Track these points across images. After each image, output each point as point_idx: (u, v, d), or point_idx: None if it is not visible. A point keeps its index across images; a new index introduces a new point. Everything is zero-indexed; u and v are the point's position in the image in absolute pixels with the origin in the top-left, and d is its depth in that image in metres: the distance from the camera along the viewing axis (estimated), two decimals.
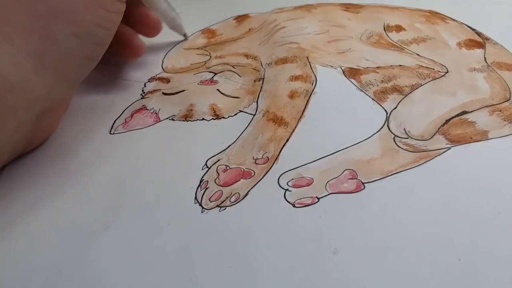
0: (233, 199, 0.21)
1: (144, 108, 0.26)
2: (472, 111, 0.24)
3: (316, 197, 0.20)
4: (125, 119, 0.26)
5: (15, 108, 0.20)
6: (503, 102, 0.25)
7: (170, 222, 0.20)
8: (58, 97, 0.23)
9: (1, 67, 0.19)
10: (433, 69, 0.27)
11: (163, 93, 0.27)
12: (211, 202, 0.21)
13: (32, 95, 0.21)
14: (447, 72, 0.27)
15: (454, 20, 0.32)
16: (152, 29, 0.29)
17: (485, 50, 0.29)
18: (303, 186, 0.21)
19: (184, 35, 0.32)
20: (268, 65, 0.29)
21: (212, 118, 0.25)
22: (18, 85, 0.20)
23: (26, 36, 0.20)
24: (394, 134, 0.23)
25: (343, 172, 0.21)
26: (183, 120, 0.26)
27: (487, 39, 0.30)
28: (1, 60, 0.20)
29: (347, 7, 0.34)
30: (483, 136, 0.23)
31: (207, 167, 0.22)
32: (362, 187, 0.21)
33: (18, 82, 0.20)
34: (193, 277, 0.18)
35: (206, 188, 0.21)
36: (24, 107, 0.21)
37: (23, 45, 0.20)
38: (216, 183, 0.21)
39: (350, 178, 0.21)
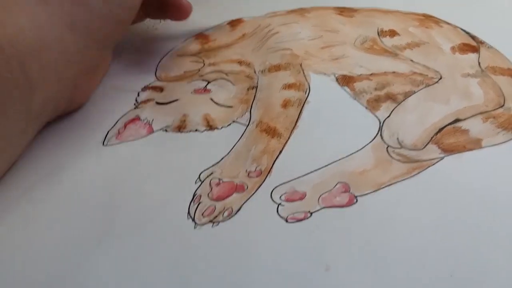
0: (226, 214, 0.21)
1: (137, 118, 0.26)
2: (465, 119, 0.24)
3: (309, 211, 0.20)
4: (118, 130, 0.26)
5: (52, 63, 0.22)
6: (497, 108, 0.25)
7: (163, 237, 0.20)
8: (91, 58, 0.25)
9: (38, 24, 0.21)
10: (427, 75, 0.27)
11: (157, 102, 0.27)
12: (204, 217, 0.21)
13: (67, 52, 0.23)
14: (440, 78, 0.27)
15: (448, 23, 0.32)
16: (181, 12, 0.29)
17: (479, 54, 0.29)
18: (296, 200, 0.21)
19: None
20: (262, 72, 0.29)
21: (206, 129, 0.25)
22: (54, 42, 0.22)
23: None
24: (387, 144, 0.23)
25: (335, 185, 0.21)
26: (177, 131, 0.25)
27: (482, 42, 0.30)
28: (38, 18, 0.21)
29: (341, 11, 0.34)
30: (476, 144, 0.23)
31: (200, 180, 0.22)
32: (355, 200, 0.21)
33: (53, 39, 0.22)
34: None
35: (199, 203, 0.21)
36: (60, 63, 0.22)
37: (56, 6, 0.22)
38: (209, 197, 0.21)
39: (343, 192, 0.21)
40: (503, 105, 0.25)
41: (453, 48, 0.29)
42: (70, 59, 0.23)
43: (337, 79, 0.28)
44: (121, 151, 0.24)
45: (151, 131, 0.26)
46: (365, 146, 0.23)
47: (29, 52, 0.21)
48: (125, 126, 0.26)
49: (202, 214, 0.21)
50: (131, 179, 0.23)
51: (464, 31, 0.31)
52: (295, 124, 0.25)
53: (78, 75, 0.24)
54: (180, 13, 0.29)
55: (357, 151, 0.23)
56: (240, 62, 0.30)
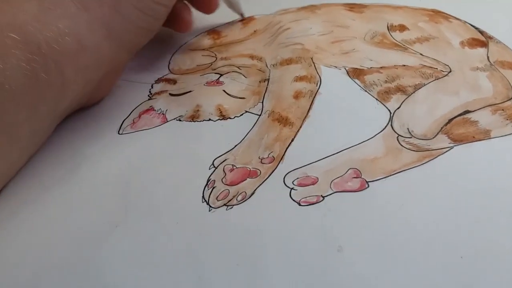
0: (240, 198, 0.21)
1: (151, 109, 0.27)
2: (474, 111, 0.24)
3: (321, 195, 0.21)
4: (133, 120, 0.26)
5: (86, 67, 0.23)
6: (506, 101, 0.25)
7: (178, 221, 0.20)
8: (118, 62, 0.26)
9: (79, 30, 0.22)
10: (436, 68, 0.27)
11: (170, 94, 0.28)
12: (218, 201, 0.21)
13: (101, 58, 0.24)
14: (450, 71, 0.27)
15: (457, 19, 0.32)
16: (207, 5, 0.31)
17: (488, 49, 0.29)
18: (308, 185, 0.21)
19: (241, 14, 0.33)
20: (273, 66, 0.29)
21: (219, 119, 0.26)
22: (90, 47, 0.23)
23: (99, 6, 0.23)
24: (398, 134, 0.24)
25: (347, 171, 0.22)
26: (190, 121, 0.26)
27: (490, 37, 0.30)
28: (79, 24, 0.22)
29: (351, 7, 0.34)
30: (485, 135, 0.23)
31: (214, 166, 0.23)
32: (366, 185, 0.21)
33: (90, 45, 0.23)
34: (201, 275, 0.18)
35: (213, 187, 0.22)
36: (92, 67, 0.24)
37: (96, 14, 0.23)
38: (223, 182, 0.22)
39: (354, 177, 0.21)
40: (511, 98, 0.25)
41: (462, 43, 0.30)
42: (102, 63, 0.24)
43: (347, 72, 0.28)
44: (136, 139, 0.25)
45: (165, 120, 0.26)
46: (375, 135, 0.23)
47: (67, 55, 0.22)
48: (139, 116, 0.27)
49: (217, 198, 0.21)
50: (146, 166, 0.23)
51: (473, 26, 0.31)
52: (307, 114, 0.25)
53: (103, 76, 0.25)
54: (181, 26, 0.30)
55: (368, 139, 0.23)
56: (252, 57, 0.31)
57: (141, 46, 0.27)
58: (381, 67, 0.28)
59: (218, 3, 0.30)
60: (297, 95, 0.26)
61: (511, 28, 0.31)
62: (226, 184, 0.22)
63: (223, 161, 0.23)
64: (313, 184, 0.21)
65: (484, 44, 0.30)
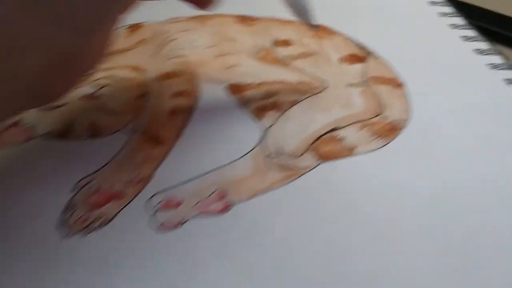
0: (99, 223, 0.20)
1: (19, 122, 0.25)
2: (343, 127, 0.25)
3: (182, 220, 0.20)
4: None
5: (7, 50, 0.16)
6: (375, 116, 0.26)
7: (28, 249, 0.19)
8: (65, 46, 0.17)
9: None
10: (313, 85, 0.28)
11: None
12: (75, 227, 0.20)
13: (21, 40, 0.16)
14: (326, 87, 0.28)
15: (340, 35, 0.33)
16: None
17: (366, 64, 0.30)
18: (171, 208, 0.21)
19: (311, 25, 0.25)
20: (154, 79, 0.29)
21: (89, 137, 0.25)
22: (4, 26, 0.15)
23: None
24: (268, 152, 0.24)
25: (212, 193, 0.22)
26: (56, 140, 0.25)
27: (369, 53, 0.32)
28: None
29: (242, 19, 0.34)
30: (350, 152, 0.24)
31: (77, 189, 0.22)
32: (230, 207, 0.21)
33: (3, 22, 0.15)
34: None
35: (73, 212, 0.21)
36: (12, 54, 0.16)
37: None
38: (84, 206, 0.21)
39: (218, 199, 0.21)
40: (380, 114, 0.26)
41: (340, 59, 0.31)
42: (25, 48, 0.16)
43: (228, 87, 0.28)
44: None
45: (31, 137, 0.24)
46: (245, 154, 0.24)
47: None
48: (7, 129, 0.25)
49: (75, 223, 0.20)
50: (4, 187, 0.22)
51: (356, 42, 0.33)
52: (181, 132, 0.25)
53: (52, 67, 0.18)
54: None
55: (238, 159, 0.23)
56: (135, 68, 0.30)
57: (102, 24, 0.18)
58: (261, 83, 0.28)
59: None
60: (173, 112, 0.26)
61: (394, 43, 0.32)
62: (87, 208, 0.21)
63: (87, 183, 0.22)
64: (176, 207, 0.21)
65: (362, 60, 0.31)
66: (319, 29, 0.26)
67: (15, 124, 0.25)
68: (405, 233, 0.20)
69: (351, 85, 0.28)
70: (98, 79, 0.29)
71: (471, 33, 0.34)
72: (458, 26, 0.35)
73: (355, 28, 0.34)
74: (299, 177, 0.23)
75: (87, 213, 0.21)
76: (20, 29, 0.16)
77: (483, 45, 0.33)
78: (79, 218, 0.20)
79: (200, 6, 0.24)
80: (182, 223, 0.20)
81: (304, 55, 0.31)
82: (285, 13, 0.24)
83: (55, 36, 0.17)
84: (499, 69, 0.30)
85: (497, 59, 0.31)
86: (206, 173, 0.23)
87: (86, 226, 0.20)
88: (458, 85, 0.29)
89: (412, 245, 0.20)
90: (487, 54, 0.32)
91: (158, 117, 0.25)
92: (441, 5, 0.37)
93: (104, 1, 0.17)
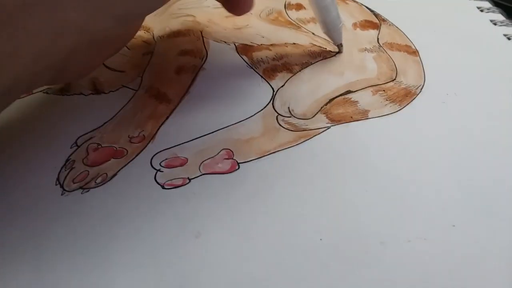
0: (99, 180, 0.19)
1: None
2: (356, 91, 0.24)
3: (188, 178, 0.20)
4: None
5: (35, 34, 0.15)
6: (389, 82, 0.25)
7: (25, 205, 0.18)
8: (99, 32, 0.17)
9: None
10: (325, 48, 0.27)
11: None
12: (74, 183, 0.19)
13: (60, 22, 0.15)
14: (338, 52, 0.27)
15: (354, 1, 0.32)
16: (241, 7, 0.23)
17: (379, 31, 0.29)
18: (176, 167, 0.20)
19: (339, 45, 0.26)
20: (160, 38, 0.27)
21: (91, 93, 0.24)
22: (42, 2, 0.15)
23: None
24: (278, 113, 0.23)
25: (219, 152, 0.21)
26: (59, 94, 0.24)
27: (384, 20, 0.30)
28: None
29: None
30: (363, 115, 0.23)
31: (77, 145, 0.21)
32: (237, 167, 0.20)
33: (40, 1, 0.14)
34: (39, 266, 0.16)
35: (72, 168, 0.20)
36: (47, 35, 0.15)
37: None
38: (83, 163, 0.20)
39: (226, 158, 0.20)
40: (394, 79, 0.25)
41: (355, 24, 0.29)
42: (63, 31, 0.16)
43: (236, 48, 0.27)
44: None
45: (30, 92, 0.23)
46: (255, 114, 0.23)
47: None
48: None
49: (73, 180, 0.19)
50: (3, 141, 0.21)
51: (369, 9, 0.31)
52: (187, 91, 0.24)
53: (74, 50, 0.17)
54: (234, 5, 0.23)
55: (247, 118, 0.22)
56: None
57: (143, 15, 0.20)
58: (271, 44, 0.27)
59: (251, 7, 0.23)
60: (179, 70, 0.25)
61: (405, 12, 0.31)
62: (87, 165, 0.20)
63: (88, 139, 0.21)
64: (181, 165, 0.20)
65: (376, 26, 0.30)
66: (342, 51, 0.26)
67: None
68: (419, 197, 0.19)
69: (364, 50, 0.27)
70: None
71: (486, 4, 0.33)
72: None
73: None
74: (310, 138, 0.21)
75: (86, 170, 0.20)
76: (64, 11, 0.15)
77: (499, 16, 0.31)
78: (78, 174, 0.20)
79: (233, 11, 0.24)
80: (188, 180, 0.19)
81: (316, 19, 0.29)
82: None
83: (92, 22, 0.16)
84: None
85: None
86: (213, 132, 0.22)
87: (86, 184, 0.19)
88: (473, 54, 0.27)
89: (425, 206, 0.19)
90: (502, 25, 0.30)
91: (164, 74, 0.24)
92: None
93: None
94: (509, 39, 0.29)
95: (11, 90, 0.16)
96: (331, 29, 0.25)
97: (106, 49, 0.20)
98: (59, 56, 0.16)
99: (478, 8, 0.32)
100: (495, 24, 0.31)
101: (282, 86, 0.24)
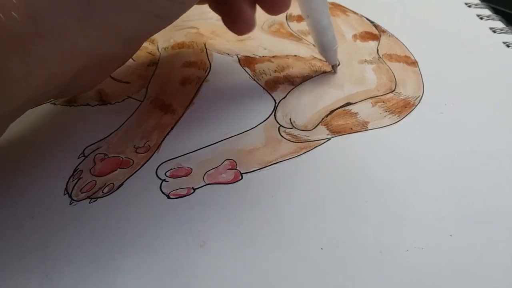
0: (106, 190, 0.20)
1: None
2: (356, 103, 0.25)
3: (192, 187, 0.20)
4: None
5: (47, 59, 0.16)
6: (388, 93, 0.26)
7: (34, 214, 0.19)
8: (106, 54, 0.18)
9: (35, 3, 0.15)
10: (325, 61, 0.27)
11: None
12: (82, 193, 0.20)
13: (71, 47, 0.16)
14: (339, 64, 0.27)
15: (354, 12, 0.33)
16: (240, 28, 0.23)
17: (379, 42, 0.30)
18: (181, 177, 0.21)
19: (334, 66, 0.26)
20: (165, 49, 0.28)
21: (97, 104, 0.24)
22: (53, 31, 0.15)
23: None
24: (280, 124, 0.23)
25: (223, 162, 0.21)
26: (66, 105, 0.24)
27: (384, 31, 0.31)
28: None
29: None
30: (363, 127, 0.23)
31: (84, 155, 0.21)
32: (240, 177, 0.21)
33: (53, 27, 0.15)
34: (48, 274, 0.17)
35: (79, 178, 0.20)
36: (58, 60, 0.16)
37: None
38: (91, 172, 0.21)
39: (229, 168, 0.21)
40: (393, 90, 0.26)
41: (354, 36, 0.30)
42: (73, 55, 0.17)
43: (239, 60, 0.27)
44: None
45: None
46: (257, 125, 0.23)
47: (11, 40, 0.15)
48: None
49: (81, 190, 0.20)
50: (7, 151, 0.21)
51: (369, 20, 0.32)
52: (191, 102, 0.24)
53: (82, 70, 0.18)
54: (237, 25, 0.23)
55: (249, 129, 0.23)
56: None
57: (148, 36, 0.20)
58: (273, 56, 0.28)
59: (251, 29, 0.23)
60: (184, 82, 0.25)
61: (405, 23, 0.31)
62: (94, 175, 0.20)
63: (96, 149, 0.22)
64: (186, 175, 0.21)
65: (376, 37, 0.30)
66: (336, 71, 0.26)
67: None
68: (418, 207, 0.20)
69: (364, 61, 0.28)
70: None
71: (486, 12, 0.33)
72: (473, 4, 0.34)
73: (368, 7, 0.33)
74: (311, 149, 0.22)
75: (93, 180, 0.20)
76: (75, 37, 0.16)
77: (498, 24, 0.32)
78: (86, 184, 0.20)
79: (271, 11, 0.23)
80: (193, 190, 0.20)
81: None
82: None
83: (100, 47, 0.17)
84: None
85: None
86: (216, 142, 0.22)
87: (93, 194, 0.20)
88: (472, 63, 0.28)
89: (422, 216, 0.19)
90: (502, 32, 0.31)
91: (168, 85, 0.25)
92: None
93: (166, 16, 0.18)
94: (508, 46, 0.30)
95: (22, 108, 0.18)
96: (327, 50, 0.25)
97: (112, 66, 0.21)
98: (67, 76, 0.17)
99: (478, 15, 0.33)
100: (494, 31, 0.31)
101: (284, 97, 0.25)
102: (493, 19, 0.32)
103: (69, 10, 0.15)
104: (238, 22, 0.23)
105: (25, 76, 0.15)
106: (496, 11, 0.34)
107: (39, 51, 0.15)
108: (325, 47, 0.25)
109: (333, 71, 0.27)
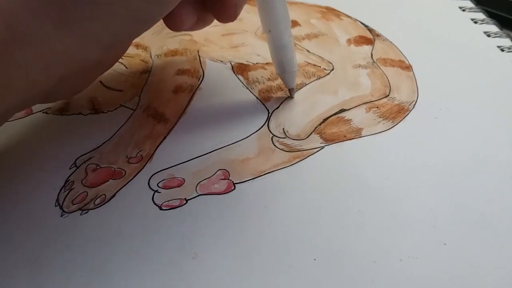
0: (97, 201, 0.20)
1: None
2: (350, 109, 0.25)
3: (185, 198, 0.20)
4: None
5: (26, 67, 0.16)
6: (382, 98, 0.26)
7: (24, 227, 0.19)
8: (88, 60, 0.18)
9: (12, 12, 0.15)
10: (320, 67, 0.27)
11: None
12: (73, 204, 0.20)
13: (50, 54, 0.16)
14: (332, 69, 0.27)
15: (348, 16, 0.33)
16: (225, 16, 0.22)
17: (373, 46, 0.30)
18: (173, 187, 0.20)
19: (291, 90, 0.25)
20: (158, 56, 0.28)
21: (90, 113, 0.24)
22: (30, 38, 0.15)
23: None
24: (273, 134, 0.23)
25: (215, 173, 0.21)
26: (58, 114, 0.24)
27: (378, 35, 0.31)
28: (13, 3, 0.15)
29: None
30: (356, 133, 0.23)
31: (76, 166, 0.21)
32: (233, 187, 0.20)
33: (30, 34, 0.15)
34: (38, 286, 0.17)
35: (71, 189, 0.20)
36: (37, 66, 0.16)
37: None
38: (82, 183, 0.20)
39: (222, 179, 0.21)
40: (388, 95, 0.26)
41: (349, 40, 0.30)
42: (53, 62, 0.17)
43: (232, 67, 0.27)
44: None
45: (30, 112, 0.24)
46: (251, 134, 0.23)
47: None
48: None
49: (72, 201, 0.20)
50: (2, 162, 0.21)
51: (364, 24, 0.32)
52: (184, 111, 0.24)
53: (63, 77, 0.18)
54: (221, 13, 0.22)
55: (242, 139, 0.23)
56: (137, 46, 0.29)
57: (131, 39, 0.20)
58: (267, 63, 0.27)
59: (237, 12, 0.22)
60: (176, 90, 0.25)
61: (400, 26, 0.31)
62: (86, 186, 0.20)
63: (87, 159, 0.22)
64: (178, 186, 0.20)
65: (370, 42, 0.30)
66: (293, 96, 0.25)
67: None
68: (412, 215, 0.20)
69: (358, 66, 0.28)
70: None
71: (480, 15, 0.33)
72: (467, 8, 0.34)
73: (362, 11, 0.33)
74: (304, 158, 0.22)
75: (85, 191, 0.20)
76: (53, 44, 0.16)
77: (492, 28, 0.32)
78: (77, 196, 0.20)
79: (221, 19, 0.23)
80: (185, 201, 0.20)
81: (311, 36, 0.30)
82: None
83: (80, 53, 0.17)
84: (508, 51, 0.29)
85: (506, 42, 0.30)
86: (209, 152, 0.22)
87: (85, 205, 0.20)
88: (467, 67, 0.28)
89: (416, 224, 0.19)
90: (496, 36, 0.31)
91: (161, 94, 0.25)
92: None
93: (146, 18, 0.18)
94: (503, 50, 0.30)
95: (3, 115, 0.18)
96: (286, 71, 0.24)
97: (96, 71, 0.21)
98: (49, 83, 0.17)
99: (472, 20, 0.33)
100: (488, 35, 0.31)
101: (277, 108, 0.25)
102: (487, 23, 0.32)
103: (45, 17, 0.15)
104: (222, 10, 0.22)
105: (4, 83, 0.16)
106: (490, 14, 0.34)
107: (17, 58, 0.15)
108: (284, 68, 0.24)
109: (290, 96, 0.25)
